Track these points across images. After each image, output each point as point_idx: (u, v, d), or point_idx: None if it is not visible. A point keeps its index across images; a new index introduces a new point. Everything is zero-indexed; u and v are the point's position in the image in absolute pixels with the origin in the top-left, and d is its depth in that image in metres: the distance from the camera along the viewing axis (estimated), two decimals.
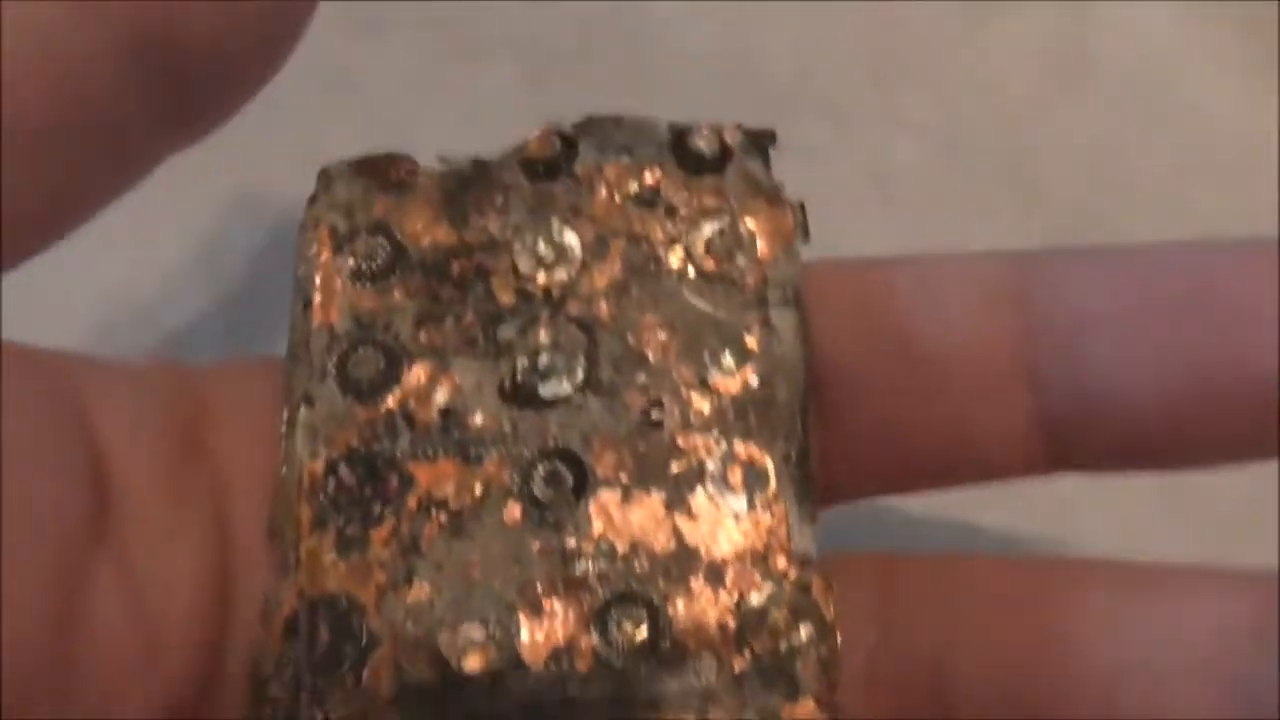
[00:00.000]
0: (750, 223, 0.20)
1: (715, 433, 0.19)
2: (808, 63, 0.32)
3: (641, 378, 0.19)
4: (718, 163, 0.20)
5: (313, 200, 0.20)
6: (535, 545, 0.18)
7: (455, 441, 0.18)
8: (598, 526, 0.18)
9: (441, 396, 0.19)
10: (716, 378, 0.19)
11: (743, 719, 0.17)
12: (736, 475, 0.18)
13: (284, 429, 0.18)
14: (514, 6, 0.32)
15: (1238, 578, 0.17)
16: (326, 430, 0.18)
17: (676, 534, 0.18)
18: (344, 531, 0.18)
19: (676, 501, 0.18)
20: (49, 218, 0.18)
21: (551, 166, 0.20)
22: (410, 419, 0.18)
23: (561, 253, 0.19)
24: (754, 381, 0.19)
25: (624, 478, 0.18)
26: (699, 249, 0.19)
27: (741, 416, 0.19)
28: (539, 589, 0.18)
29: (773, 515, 0.18)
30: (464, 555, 0.18)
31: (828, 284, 0.19)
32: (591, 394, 0.19)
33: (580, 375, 0.19)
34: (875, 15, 0.32)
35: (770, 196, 0.20)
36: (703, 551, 0.18)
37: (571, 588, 0.18)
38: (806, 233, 0.20)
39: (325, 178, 0.20)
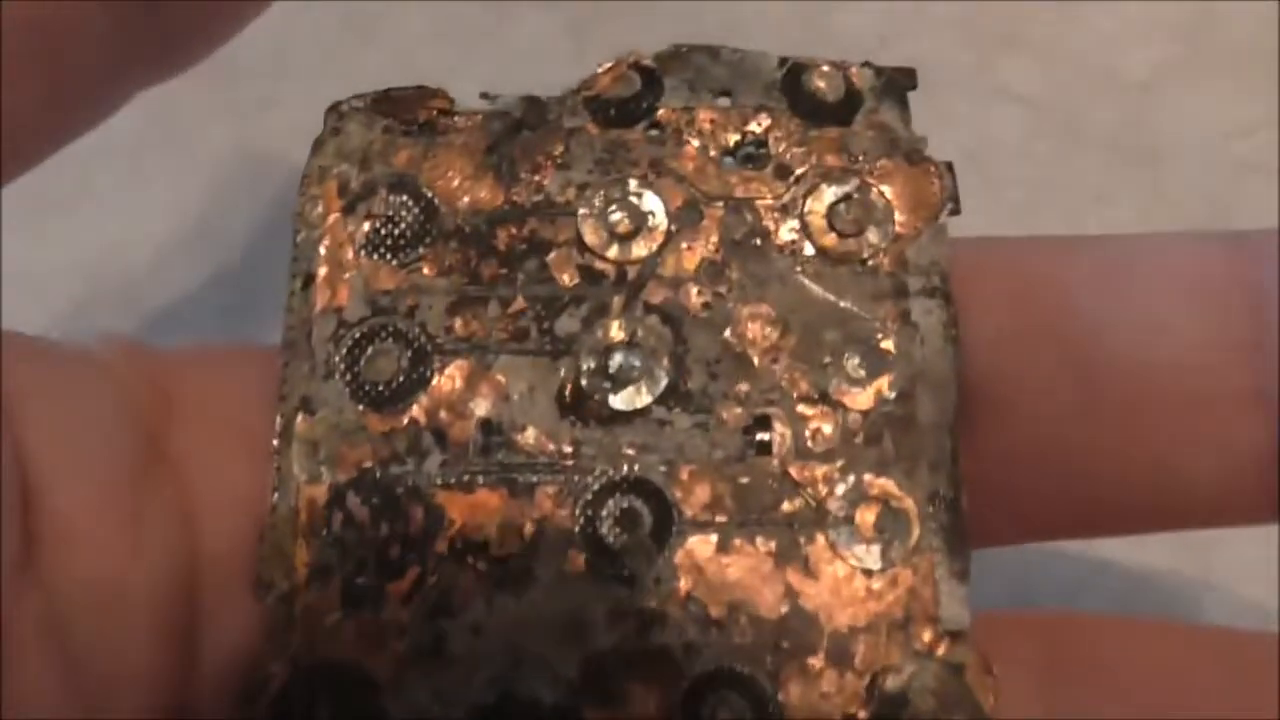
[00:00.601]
0: (885, 188, 0.15)
1: (840, 462, 0.14)
2: (891, 22, 0.27)
3: (744, 387, 0.14)
4: (843, 110, 0.16)
5: (318, 146, 0.15)
6: (602, 606, 0.14)
7: (499, 465, 0.14)
8: (685, 583, 0.14)
9: (482, 406, 0.14)
10: (841, 389, 0.14)
11: None
12: (868, 518, 0.14)
13: (276, 442, 0.14)
14: None
15: None
16: (331, 447, 0.14)
17: (790, 595, 0.14)
18: (353, 582, 0.14)
19: (789, 552, 0.14)
20: None
21: (627, 108, 0.15)
22: (441, 435, 0.14)
23: (640, 221, 0.15)
24: (890, 395, 0.14)
25: (720, 519, 0.14)
26: (819, 221, 0.15)
27: (874, 441, 0.14)
28: (608, 664, 0.13)
29: (915, 572, 0.14)
30: (510, 617, 0.14)
31: (982, 270, 0.15)
32: (678, 407, 0.14)
33: (663, 382, 0.14)
34: None
35: (910, 154, 0.15)
36: (823, 619, 0.14)
37: (651, 664, 0.13)
38: (957, 202, 0.15)
39: (335, 116, 0.15)
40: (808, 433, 0.14)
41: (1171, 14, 0.27)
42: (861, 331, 0.15)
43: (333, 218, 0.15)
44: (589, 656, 0.14)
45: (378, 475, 0.14)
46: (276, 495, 0.14)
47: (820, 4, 0.27)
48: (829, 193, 0.15)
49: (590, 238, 0.15)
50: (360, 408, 0.14)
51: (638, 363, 0.14)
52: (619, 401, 0.14)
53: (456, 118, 0.15)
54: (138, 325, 0.26)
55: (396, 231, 0.15)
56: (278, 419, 0.14)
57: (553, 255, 0.15)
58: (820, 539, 0.14)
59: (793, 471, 0.14)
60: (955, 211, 0.15)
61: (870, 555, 0.14)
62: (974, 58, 0.27)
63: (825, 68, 0.16)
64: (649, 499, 0.14)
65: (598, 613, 0.14)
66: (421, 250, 0.15)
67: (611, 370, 0.14)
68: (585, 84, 0.16)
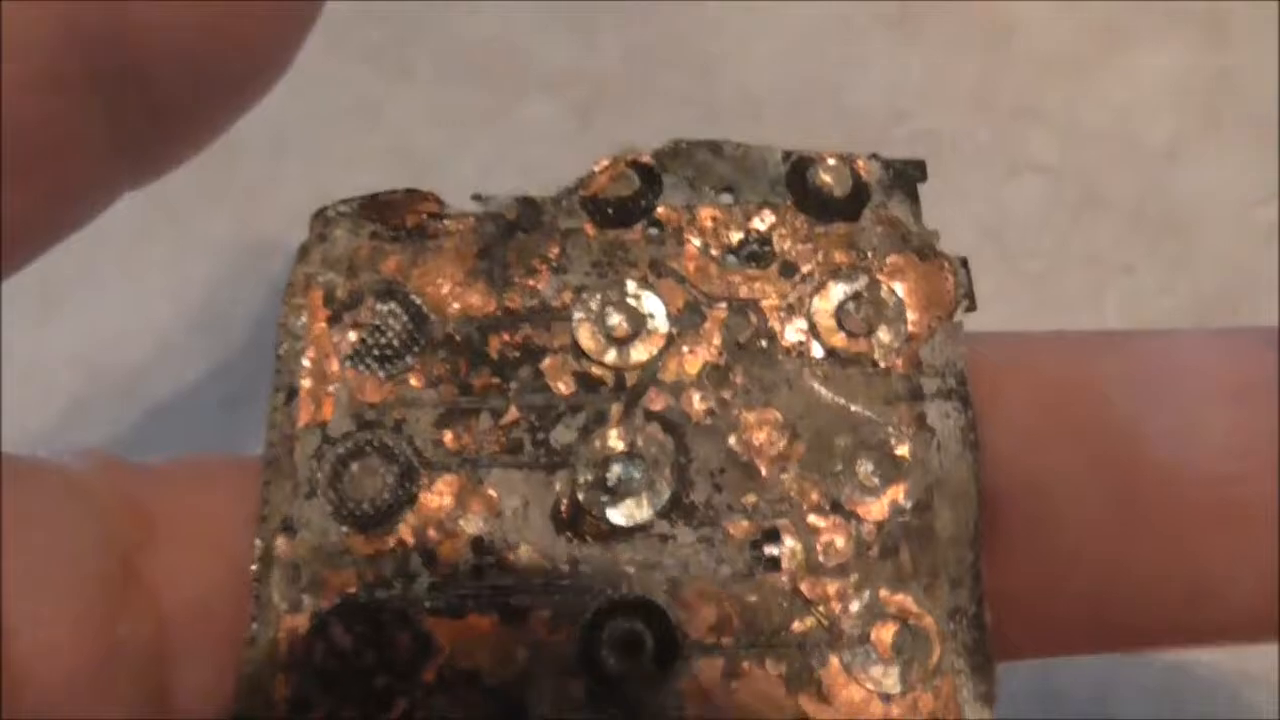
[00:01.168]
0: (896, 285, 0.14)
1: (854, 577, 0.13)
2: (905, 97, 0.27)
3: (751, 499, 0.14)
4: (850, 205, 0.15)
5: (303, 253, 0.15)
6: None
7: (491, 588, 0.13)
8: (692, 711, 0.13)
9: (473, 524, 0.13)
10: (854, 499, 0.14)
11: None
12: (885, 638, 0.13)
13: (255, 567, 0.13)
14: (557, 38, 0.28)
15: None
16: (314, 571, 0.13)
17: None
18: (337, 718, 0.13)
19: (802, 675, 0.13)
20: None
21: (625, 208, 0.15)
22: (430, 555, 0.13)
23: (639, 324, 0.14)
24: (906, 504, 0.14)
25: (727, 641, 0.13)
26: (827, 320, 0.14)
27: (890, 554, 0.13)
28: None
29: (937, 696, 0.13)
30: None
31: (1003, 369, 0.14)
32: (681, 521, 0.13)
33: (665, 495, 0.14)
34: (983, 46, 0.27)
35: (922, 250, 0.15)
36: None
37: None
38: (972, 299, 0.15)
39: (321, 222, 0.15)
40: (819, 546, 0.13)
41: (1189, 81, 0.26)
42: (874, 437, 0.14)
43: (318, 328, 0.14)
44: None
45: (364, 601, 0.13)
46: (255, 625, 0.13)
47: (833, 81, 0.27)
48: (837, 291, 0.14)
49: (587, 343, 0.14)
50: (344, 529, 0.13)
51: (638, 474, 0.14)
52: (618, 516, 0.14)
53: (447, 221, 0.15)
54: (139, 417, 0.26)
55: (383, 341, 0.14)
56: (257, 542, 0.13)
57: (547, 362, 0.14)
58: (834, 661, 0.13)
59: (804, 588, 0.13)
60: (971, 308, 0.15)
61: (888, 678, 0.13)
62: (990, 131, 0.26)
63: (831, 161, 0.15)
64: (651, 621, 0.13)
65: None
66: (409, 360, 0.14)
67: (610, 483, 0.14)
68: (582, 183, 0.15)
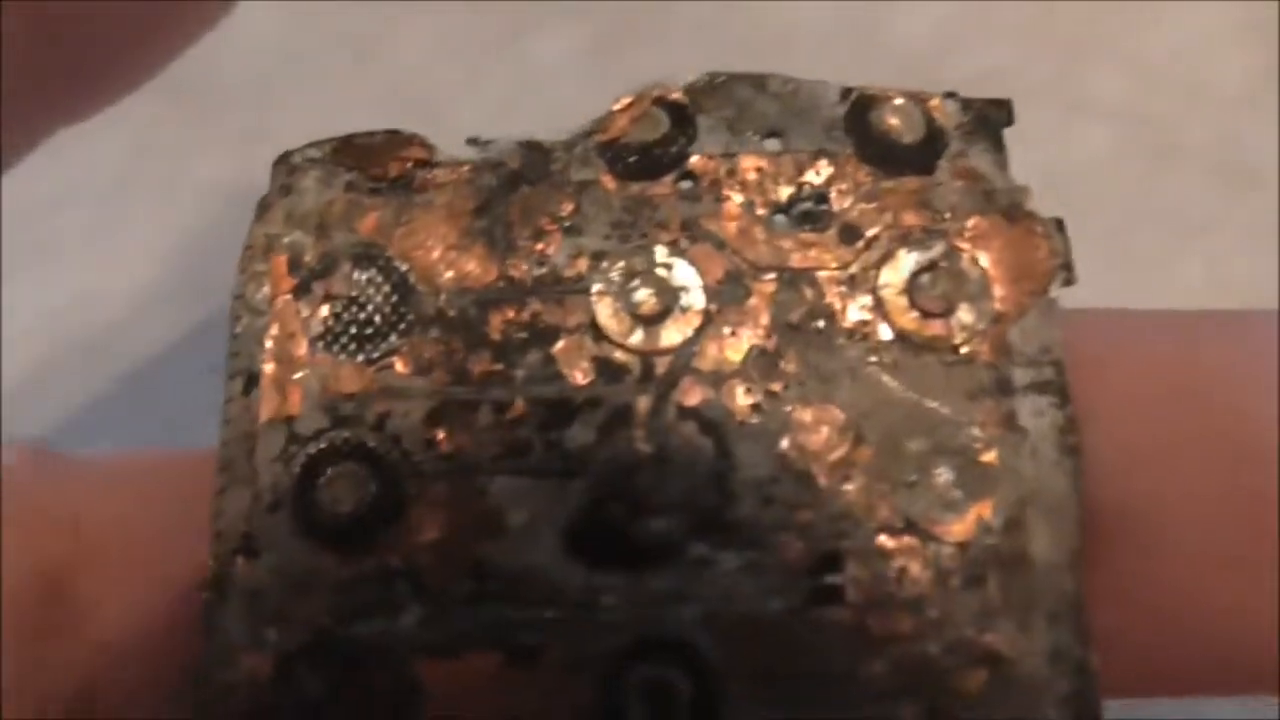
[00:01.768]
0: (980, 254, 0.12)
1: (933, 613, 0.11)
2: (954, 29, 0.24)
3: (806, 515, 0.11)
4: (923, 154, 0.12)
5: (264, 209, 0.12)
6: None
7: (494, 622, 0.11)
8: None
9: (472, 544, 0.11)
10: (932, 515, 0.11)
11: None
12: (972, 686, 0.11)
13: (208, 595, 0.11)
14: None
15: None
16: (279, 600, 0.11)
17: None
18: None
19: None
20: None
21: (652, 156, 0.12)
22: (419, 582, 0.11)
23: (670, 299, 0.12)
24: (995, 522, 0.11)
25: (778, 692, 0.11)
26: (897, 297, 0.12)
27: (975, 584, 0.11)
28: None
29: None
30: None
31: (1105, 357, 0.12)
32: (723, 543, 0.11)
33: (704, 511, 0.11)
34: None
35: (1010, 210, 0.12)
36: None
37: None
38: (1071, 270, 0.12)
39: (285, 170, 0.12)
40: (890, 574, 0.11)
41: (1261, 13, 0.24)
42: (955, 440, 0.11)
43: (282, 300, 0.12)
44: None
45: (338, 637, 0.11)
46: (208, 662, 0.11)
47: (872, 9, 0.24)
48: (908, 260, 0.12)
49: (607, 321, 0.12)
50: (316, 547, 0.11)
51: (671, 486, 0.11)
52: (646, 536, 0.11)
53: (437, 170, 0.12)
54: (110, 385, 0.24)
55: (363, 317, 0.12)
56: (210, 563, 0.11)
57: (560, 345, 0.12)
58: (910, 714, 0.11)
59: (872, 626, 0.11)
60: (1069, 281, 0.12)
61: None
62: (1050, 68, 0.24)
63: (899, 101, 0.13)
64: (687, 665, 0.11)
65: None
66: (394, 341, 0.12)
67: (636, 494, 0.11)
68: (599, 125, 0.12)
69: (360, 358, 0.12)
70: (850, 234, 0.12)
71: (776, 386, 0.12)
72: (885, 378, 0.12)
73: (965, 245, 0.12)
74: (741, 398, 0.12)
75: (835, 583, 0.11)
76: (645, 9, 0.25)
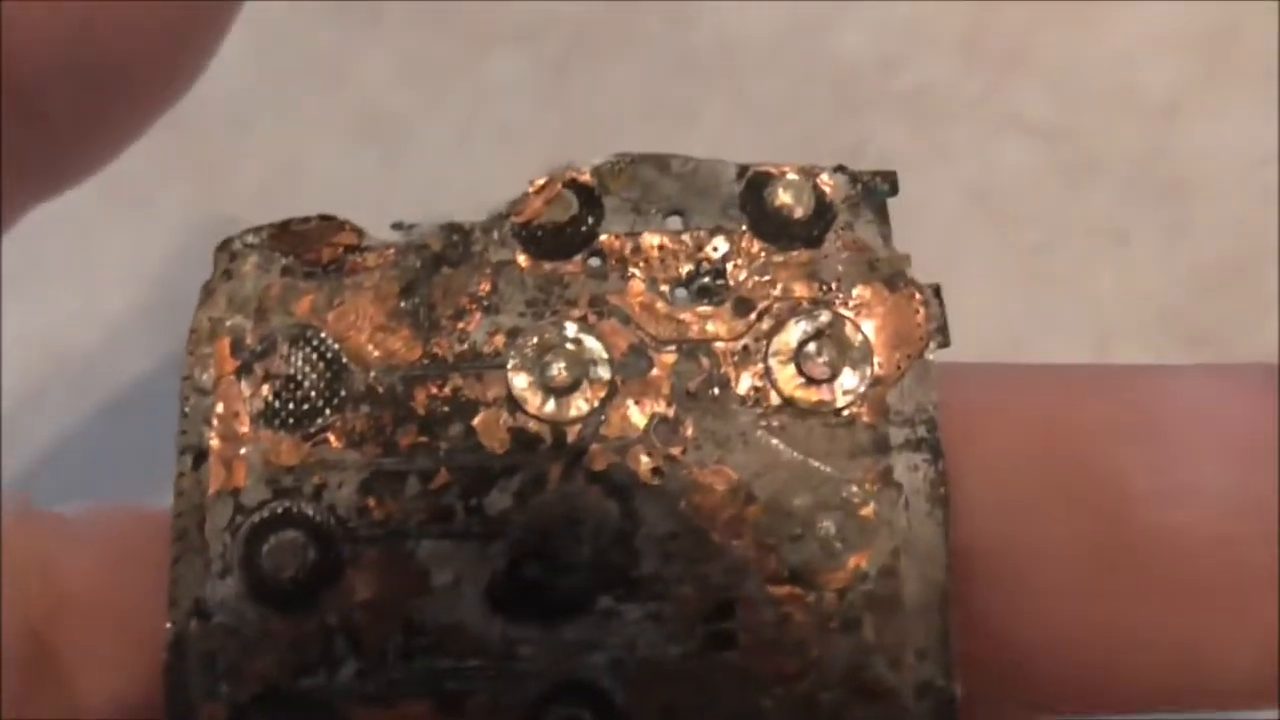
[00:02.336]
0: (864, 322, 0.13)
1: (814, 653, 0.12)
2: (892, 43, 0.25)
3: (702, 569, 0.12)
4: (813, 226, 0.13)
5: (208, 294, 0.13)
6: None
7: (424, 672, 0.12)
8: None
9: (402, 602, 0.12)
10: (815, 566, 0.12)
11: None
12: (850, 717, 0.12)
13: (166, 655, 0.12)
14: None
15: None
16: (230, 657, 0.12)
17: None
18: None
19: None
20: None
21: (563, 236, 0.13)
22: (356, 638, 0.12)
23: (580, 372, 0.13)
24: (871, 570, 0.12)
25: None
26: (786, 365, 0.13)
27: (852, 627, 0.12)
28: None
29: None
30: None
31: (979, 413, 0.13)
32: (628, 597, 0.12)
33: (610, 569, 0.12)
34: None
35: (891, 279, 0.13)
36: None
37: None
38: (945, 334, 0.13)
39: (227, 256, 0.13)
40: (776, 619, 0.12)
41: (1191, 25, 0.24)
42: (836, 496, 0.13)
43: (226, 381, 0.13)
44: None
45: (285, 690, 0.12)
46: (169, 715, 0.12)
47: (818, 27, 0.25)
48: (797, 330, 0.13)
49: (523, 394, 0.13)
50: (263, 610, 0.12)
51: (580, 547, 0.13)
52: (559, 592, 0.12)
53: (366, 254, 0.13)
54: (90, 412, 0.25)
55: (299, 395, 0.13)
56: (168, 626, 0.12)
57: (480, 417, 0.13)
58: None
59: (760, 667, 0.12)
60: (943, 344, 0.13)
61: None
62: (982, 82, 0.24)
63: (792, 175, 0.14)
64: (596, 707, 0.12)
65: None
66: (329, 416, 0.13)
67: (550, 555, 0.13)
68: (514, 207, 0.14)
69: (298, 433, 0.13)
70: (744, 307, 0.13)
71: (676, 451, 0.13)
72: (774, 441, 0.13)
73: (849, 314, 0.13)
74: (645, 462, 0.13)
75: (728, 629, 0.12)
76: (595, 31, 0.26)
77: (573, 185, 0.14)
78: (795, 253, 0.13)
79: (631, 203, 0.14)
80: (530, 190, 0.14)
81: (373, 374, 0.13)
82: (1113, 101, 0.24)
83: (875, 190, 0.14)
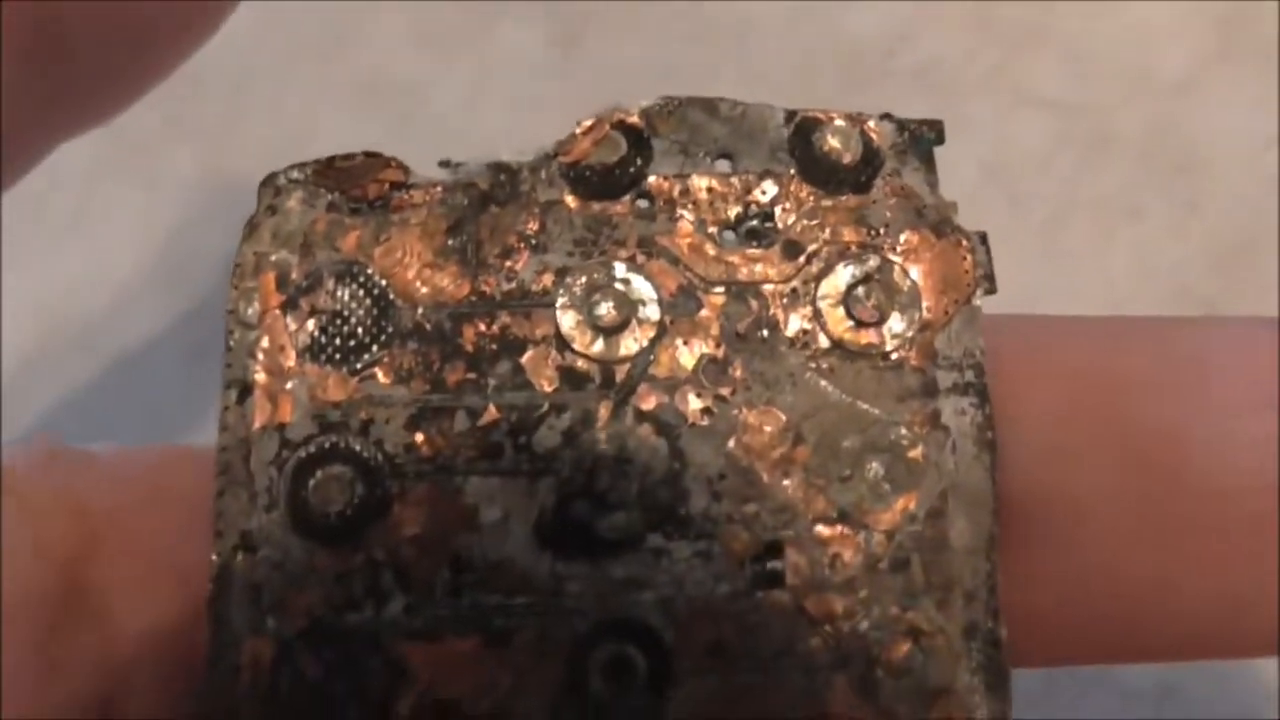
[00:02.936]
0: (911, 267, 0.13)
1: (863, 593, 0.12)
2: (907, 20, 0.25)
3: (751, 508, 0.12)
4: (861, 173, 0.13)
5: (252, 229, 0.13)
6: None
7: (471, 609, 0.12)
8: None
9: (450, 538, 0.12)
10: (864, 507, 0.13)
11: None
12: (896, 658, 0.12)
13: (211, 587, 0.12)
14: None
15: None
16: (276, 591, 0.12)
17: None
18: None
19: (806, 701, 0.12)
20: None
21: (612, 177, 0.13)
22: (403, 574, 0.12)
23: (629, 311, 0.13)
24: (919, 512, 0.12)
25: (725, 665, 0.12)
26: (834, 307, 0.13)
27: (900, 567, 0.12)
28: None
29: (951, 717, 0.12)
30: None
31: (1024, 361, 0.13)
32: (676, 534, 0.12)
33: (659, 506, 0.12)
34: None
35: (938, 225, 0.13)
36: None
37: None
38: (992, 280, 0.13)
39: (271, 192, 0.13)
40: (825, 560, 0.12)
41: (1204, 4, 0.25)
42: (885, 438, 0.13)
43: (271, 315, 0.13)
44: None
45: (331, 623, 0.12)
46: (213, 651, 0.12)
47: (831, 3, 0.25)
48: (845, 274, 0.13)
49: (571, 332, 0.13)
50: (309, 544, 0.12)
51: (628, 484, 0.12)
52: (607, 529, 0.12)
53: (413, 191, 0.13)
54: (98, 370, 0.25)
55: (346, 330, 0.13)
56: (213, 558, 0.12)
57: (528, 355, 0.13)
58: (841, 683, 0.12)
59: (808, 606, 0.12)
60: (990, 290, 0.13)
61: (900, 701, 0.12)
62: (994, 59, 0.25)
63: (839, 122, 0.14)
64: (643, 644, 0.12)
65: None
66: (376, 352, 0.13)
67: (598, 492, 0.13)
68: (562, 147, 0.13)
69: (344, 368, 0.13)
70: (793, 250, 0.13)
71: (725, 391, 0.13)
72: (823, 382, 0.13)
73: (897, 259, 0.13)
74: (694, 402, 0.13)
75: (776, 568, 0.12)
76: (607, 3, 0.26)
77: (621, 126, 0.14)
78: (844, 198, 0.13)
79: (680, 145, 0.14)
80: (578, 131, 0.14)
81: (420, 310, 0.13)
82: (1126, 78, 0.24)
83: (922, 138, 0.14)
